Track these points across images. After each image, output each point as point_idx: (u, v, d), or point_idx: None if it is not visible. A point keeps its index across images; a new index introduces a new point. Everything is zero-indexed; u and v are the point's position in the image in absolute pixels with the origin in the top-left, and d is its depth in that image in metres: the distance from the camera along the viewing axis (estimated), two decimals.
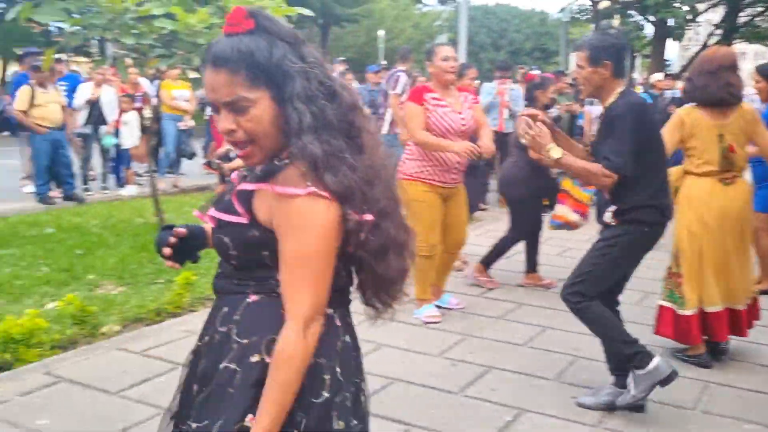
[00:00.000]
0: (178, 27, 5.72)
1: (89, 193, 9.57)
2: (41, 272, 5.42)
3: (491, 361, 4.00)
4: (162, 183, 10.06)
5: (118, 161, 10.02)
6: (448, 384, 3.67)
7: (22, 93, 8.58)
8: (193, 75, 8.00)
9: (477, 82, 9.45)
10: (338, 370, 1.48)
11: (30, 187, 9.30)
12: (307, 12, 6.59)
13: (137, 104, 9.68)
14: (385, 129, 8.50)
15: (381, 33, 25.12)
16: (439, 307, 4.83)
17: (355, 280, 1.58)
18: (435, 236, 4.63)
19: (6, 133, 17.69)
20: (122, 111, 9.59)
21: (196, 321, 4.49)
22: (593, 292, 3.30)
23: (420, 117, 4.54)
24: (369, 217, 1.43)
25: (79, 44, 6.06)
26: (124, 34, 5.57)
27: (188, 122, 10.41)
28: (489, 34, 36.41)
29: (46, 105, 8.57)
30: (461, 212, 4.84)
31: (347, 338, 1.54)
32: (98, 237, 6.71)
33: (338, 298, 1.51)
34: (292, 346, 1.36)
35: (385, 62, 15.55)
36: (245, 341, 1.45)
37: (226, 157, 10.05)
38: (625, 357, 3.26)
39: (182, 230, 1.70)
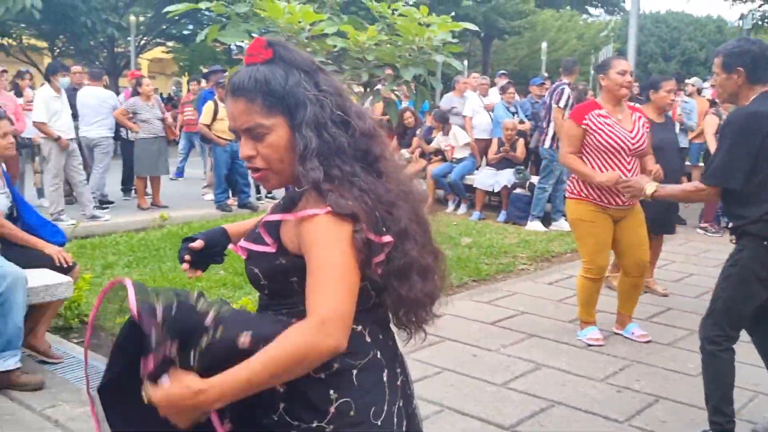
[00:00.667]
0: (349, 44, 5.95)
1: (261, 201, 10.15)
2: (219, 275, 5.81)
3: (660, 391, 3.79)
4: None
5: None
6: (612, 412, 3.52)
7: (207, 108, 9.29)
8: (357, 89, 8.32)
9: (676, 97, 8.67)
10: (357, 373, 1.46)
11: (210, 195, 10.03)
12: (472, 27, 6.63)
13: None
14: (547, 144, 8.33)
15: (543, 45, 24.63)
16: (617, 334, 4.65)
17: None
18: (602, 259, 4.43)
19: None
20: None
21: None
22: (730, 323, 3.10)
23: (573, 139, 4.36)
24: (387, 238, 1.43)
25: None
26: None
27: None
28: (659, 43, 34.69)
29: (227, 119, 9.20)
30: (639, 232, 4.50)
31: (378, 354, 1.51)
32: None
33: (368, 317, 1.51)
34: (300, 337, 1.33)
35: (546, 74, 15.28)
36: None
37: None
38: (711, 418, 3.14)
39: (197, 244, 1.78)
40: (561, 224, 8.52)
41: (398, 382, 1.56)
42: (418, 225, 1.52)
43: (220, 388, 1.32)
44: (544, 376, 3.96)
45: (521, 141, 9.37)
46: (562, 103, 8.10)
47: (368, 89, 6.87)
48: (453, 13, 6.43)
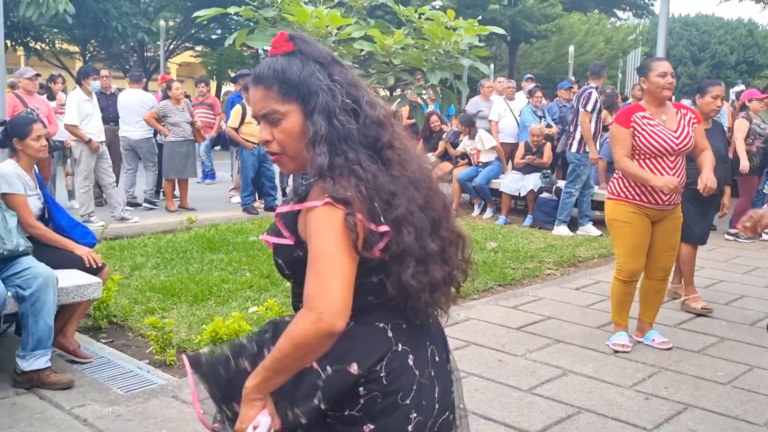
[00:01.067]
0: (375, 48, 5.96)
1: None
2: (245, 277, 5.86)
3: (690, 399, 3.74)
4: None
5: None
6: (640, 420, 3.48)
7: (235, 111, 9.37)
8: (382, 93, 8.33)
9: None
10: (384, 374, 1.54)
11: (237, 198, 10.11)
12: (499, 30, 6.61)
13: None
14: (574, 148, 8.26)
15: (571, 49, 24.44)
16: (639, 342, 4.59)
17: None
18: (636, 263, 4.38)
19: (217, 148, 19.44)
20: None
21: None
22: None
23: (625, 142, 4.29)
24: (384, 228, 1.49)
25: None
26: None
27: None
28: (688, 47, 34.26)
29: (254, 122, 9.29)
30: (672, 237, 4.46)
31: (400, 347, 1.59)
32: None
33: (387, 313, 1.59)
34: (301, 332, 1.43)
35: (573, 78, 15.16)
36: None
37: None
38: None
39: None
40: (588, 229, 8.45)
41: (427, 353, 1.64)
42: (425, 212, 1.57)
43: (261, 379, 1.50)
44: (571, 383, 3.93)
45: (548, 145, 9.31)
46: (589, 107, 8.04)
47: (394, 93, 6.88)
48: (480, 17, 6.41)
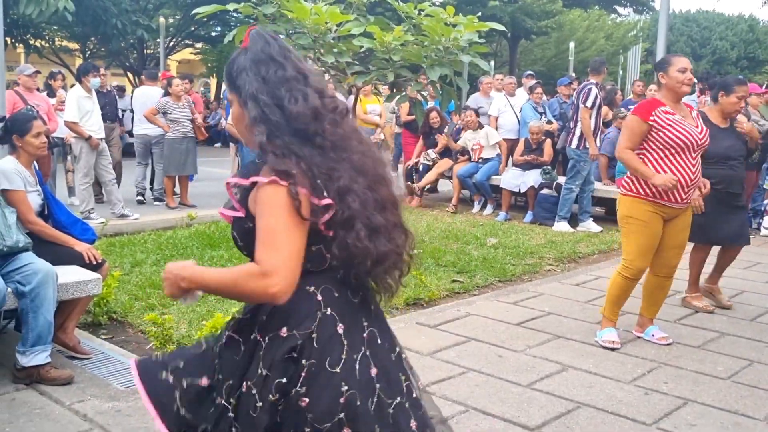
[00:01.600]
0: (375, 45, 5.95)
1: None
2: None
3: (689, 394, 3.74)
4: None
5: None
6: (640, 414, 3.48)
7: None
8: (382, 89, 8.31)
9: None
10: (315, 336, 1.67)
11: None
12: (499, 27, 6.61)
13: None
14: (574, 144, 8.26)
15: (571, 45, 24.41)
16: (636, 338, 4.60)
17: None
18: (645, 262, 4.37)
19: (218, 145, 19.47)
20: None
21: None
22: None
23: (636, 135, 4.25)
24: (327, 200, 1.65)
25: None
26: (326, 53, 5.89)
27: (379, 135, 10.78)
28: (689, 42, 34.25)
29: None
30: (681, 235, 4.44)
31: (328, 311, 1.70)
32: None
33: (321, 278, 1.72)
34: (249, 288, 1.62)
35: (573, 74, 15.15)
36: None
37: (414, 171, 10.30)
38: None
39: None
40: (588, 225, 8.45)
41: (364, 334, 1.74)
42: (371, 192, 1.72)
43: (200, 277, 1.73)
44: (570, 378, 3.93)
45: (548, 142, 9.30)
46: (589, 103, 8.03)
47: (395, 89, 6.87)
48: (479, 13, 6.41)
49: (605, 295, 4.61)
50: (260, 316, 1.74)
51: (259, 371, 1.67)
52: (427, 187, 10.47)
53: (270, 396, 1.65)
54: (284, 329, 1.67)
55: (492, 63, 29.39)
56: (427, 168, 10.19)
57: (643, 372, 4.04)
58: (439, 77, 6.16)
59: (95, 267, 4.15)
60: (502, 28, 6.74)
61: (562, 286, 5.92)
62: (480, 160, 9.64)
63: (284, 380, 1.65)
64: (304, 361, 1.65)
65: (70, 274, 3.94)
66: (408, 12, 6.30)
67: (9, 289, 3.59)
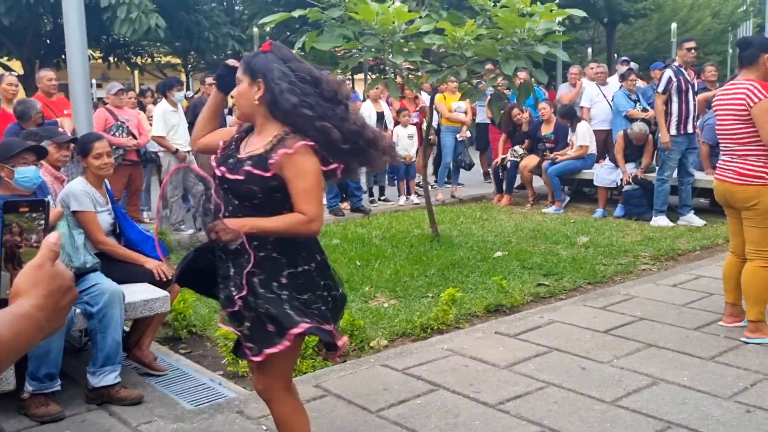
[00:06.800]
0: (446, 41, 5.73)
1: (374, 204, 10.10)
2: (333, 243, 5.70)
3: None
4: (440, 194, 10.29)
5: (394, 173, 10.38)
6: None
7: None
8: (453, 85, 8.04)
9: None
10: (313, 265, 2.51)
11: (323, 200, 10.09)
12: (580, 13, 6.23)
13: (414, 119, 9.99)
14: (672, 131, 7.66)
15: (673, 26, 23.10)
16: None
17: None
18: None
19: None
20: (396, 124, 9.96)
21: (460, 339, 4.43)
22: None
23: None
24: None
25: (356, 65, 6.39)
26: (396, 53, 5.73)
27: (465, 133, 10.51)
28: None
29: None
30: None
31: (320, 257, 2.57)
32: (377, 248, 7.00)
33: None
34: (298, 225, 2.39)
35: (673, 58, 14.25)
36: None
37: (502, 168, 9.97)
38: None
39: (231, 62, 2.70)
40: (690, 219, 7.87)
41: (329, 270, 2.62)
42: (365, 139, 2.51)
43: (261, 224, 2.38)
44: (661, 393, 3.58)
45: (650, 140, 8.67)
46: (660, 88, 7.46)
47: (470, 86, 6.62)
48: (557, 0, 6.05)
49: (742, 296, 4.28)
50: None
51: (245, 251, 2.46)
52: (517, 183, 10.11)
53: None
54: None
55: (589, 50, 28.30)
56: (515, 164, 9.83)
57: (746, 385, 3.64)
58: (515, 70, 5.87)
59: (165, 284, 4.16)
60: (583, 14, 6.34)
61: (657, 287, 5.49)
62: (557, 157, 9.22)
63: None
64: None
65: (138, 293, 3.96)
66: (483, 4, 6.04)
67: (78, 310, 3.64)
